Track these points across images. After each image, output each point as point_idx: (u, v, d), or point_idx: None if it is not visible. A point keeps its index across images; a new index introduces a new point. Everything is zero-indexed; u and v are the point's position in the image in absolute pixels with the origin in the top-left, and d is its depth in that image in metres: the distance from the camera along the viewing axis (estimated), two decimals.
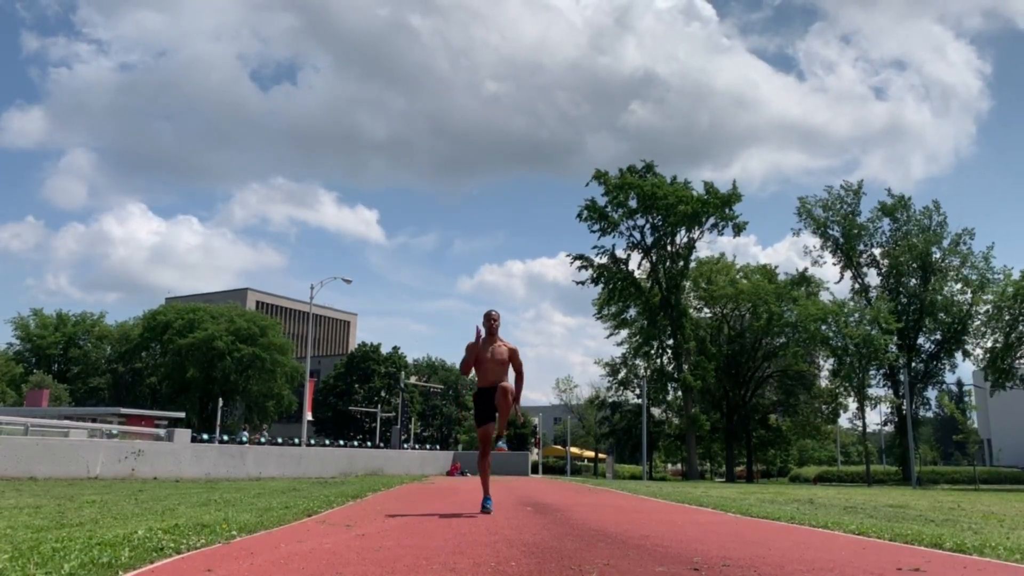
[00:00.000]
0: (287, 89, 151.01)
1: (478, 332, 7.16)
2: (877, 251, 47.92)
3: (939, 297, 45.34)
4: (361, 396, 68.29)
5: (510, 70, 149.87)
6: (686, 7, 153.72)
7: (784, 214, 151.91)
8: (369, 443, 57.22)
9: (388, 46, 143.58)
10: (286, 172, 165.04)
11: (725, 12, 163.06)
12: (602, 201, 47.70)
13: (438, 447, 61.07)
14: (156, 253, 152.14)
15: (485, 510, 7.18)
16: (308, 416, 39.09)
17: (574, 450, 60.55)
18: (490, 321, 7.28)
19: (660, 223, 47.74)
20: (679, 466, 61.81)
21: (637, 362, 49.90)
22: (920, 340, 47.26)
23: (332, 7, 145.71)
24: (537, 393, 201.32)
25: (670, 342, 47.69)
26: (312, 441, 45.96)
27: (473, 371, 7.28)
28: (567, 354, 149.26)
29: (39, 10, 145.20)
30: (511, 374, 7.26)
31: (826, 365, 50.64)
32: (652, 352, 48.21)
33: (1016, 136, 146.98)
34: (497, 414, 7.05)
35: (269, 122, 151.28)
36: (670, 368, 47.87)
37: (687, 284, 49.90)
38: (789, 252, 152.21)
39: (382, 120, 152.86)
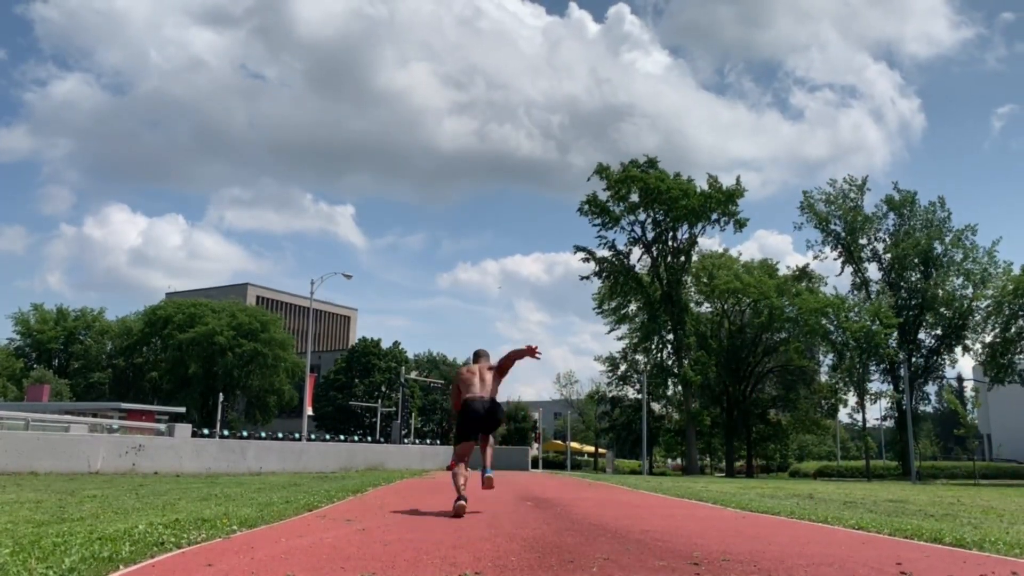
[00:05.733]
0: (276, 95, 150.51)
1: (460, 378, 7.52)
2: (880, 246, 47.87)
3: (940, 292, 45.28)
4: (362, 391, 68.34)
5: (498, 87, 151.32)
6: (652, 43, 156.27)
7: (769, 215, 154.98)
8: (369, 438, 57.30)
9: (374, 58, 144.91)
10: (273, 176, 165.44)
11: (682, 50, 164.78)
12: (604, 195, 47.68)
13: (438, 442, 61.10)
14: (149, 255, 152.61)
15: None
16: (308, 411, 39.10)
17: (574, 445, 60.62)
18: (479, 353, 7.71)
19: (662, 218, 47.69)
20: (679, 461, 61.90)
21: (637, 357, 49.94)
22: (920, 335, 47.28)
23: (320, 20, 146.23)
24: (529, 388, 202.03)
25: (670, 337, 47.67)
26: (312, 436, 46.03)
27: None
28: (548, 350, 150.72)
29: (25, 27, 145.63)
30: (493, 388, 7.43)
31: (826, 360, 50.73)
32: (652, 347, 48.19)
33: (947, 155, 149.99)
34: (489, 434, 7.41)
35: (259, 127, 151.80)
36: (670, 363, 47.86)
37: (688, 279, 49.91)
38: (776, 250, 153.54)
39: (366, 129, 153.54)
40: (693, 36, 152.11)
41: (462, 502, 6.75)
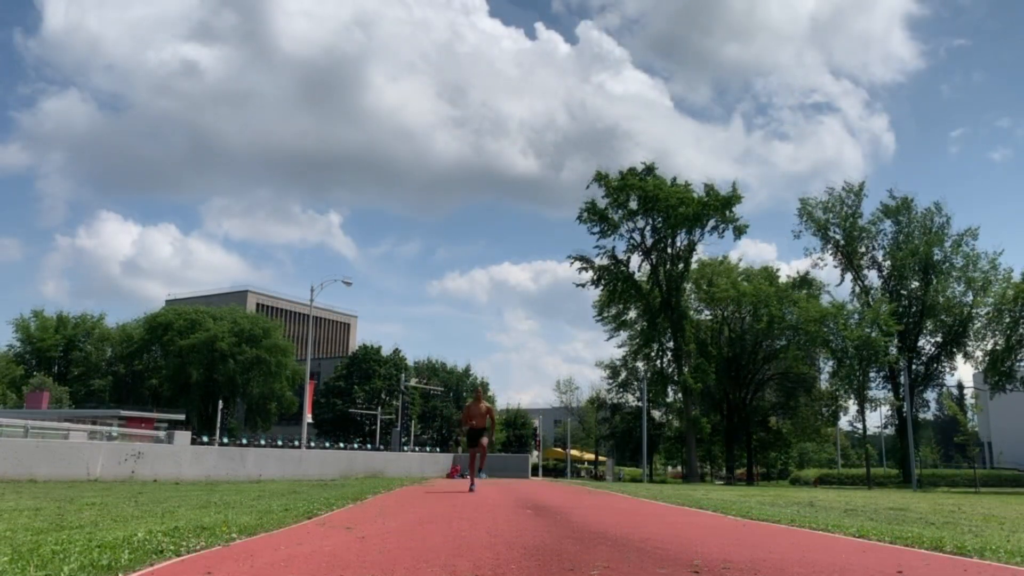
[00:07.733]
0: (267, 108, 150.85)
1: (467, 410, 13.33)
2: (879, 253, 47.78)
3: (940, 298, 45.19)
4: (362, 398, 68.22)
5: (487, 104, 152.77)
6: (629, 63, 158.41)
7: (754, 225, 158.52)
8: (369, 445, 57.17)
9: (365, 72, 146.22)
10: (268, 187, 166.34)
11: (667, 76, 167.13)
12: (602, 203, 47.68)
13: (438, 449, 60.98)
14: (144, 266, 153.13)
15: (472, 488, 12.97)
16: (308, 418, 38.96)
17: (574, 452, 60.54)
18: (477, 390, 13.79)
19: (660, 225, 47.65)
20: (679, 468, 61.79)
21: (637, 364, 49.82)
22: (921, 342, 47.18)
23: (312, 36, 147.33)
24: (527, 395, 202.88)
25: (670, 344, 47.62)
26: (312, 444, 45.90)
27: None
28: (540, 358, 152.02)
29: (20, 41, 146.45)
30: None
31: (826, 367, 50.59)
32: (652, 354, 48.14)
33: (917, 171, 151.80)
34: (482, 440, 12.92)
35: (252, 139, 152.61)
36: (670, 370, 47.81)
37: (688, 286, 49.86)
38: (762, 259, 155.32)
39: (362, 142, 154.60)
40: (671, 55, 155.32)
41: (473, 485, 12.97)
